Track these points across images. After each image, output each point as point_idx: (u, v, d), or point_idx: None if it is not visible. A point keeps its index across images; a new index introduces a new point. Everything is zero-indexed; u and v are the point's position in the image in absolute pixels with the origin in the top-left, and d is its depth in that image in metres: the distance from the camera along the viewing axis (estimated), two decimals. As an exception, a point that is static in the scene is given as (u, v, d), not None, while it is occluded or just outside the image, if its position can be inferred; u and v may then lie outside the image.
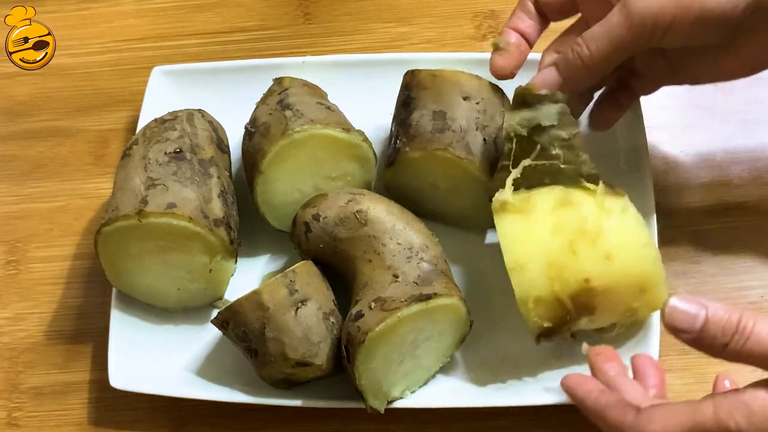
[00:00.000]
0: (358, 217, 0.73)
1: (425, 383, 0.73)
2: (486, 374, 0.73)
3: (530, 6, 0.73)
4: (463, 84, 0.76)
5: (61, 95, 0.92)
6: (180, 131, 0.77)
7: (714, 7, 0.64)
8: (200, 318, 0.78)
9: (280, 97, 0.78)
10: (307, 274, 0.72)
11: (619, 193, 0.70)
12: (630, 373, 0.67)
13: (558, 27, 0.75)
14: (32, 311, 0.82)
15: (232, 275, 0.76)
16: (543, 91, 0.69)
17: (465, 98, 0.75)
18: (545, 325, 0.68)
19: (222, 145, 0.80)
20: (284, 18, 0.93)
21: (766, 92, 0.83)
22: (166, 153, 0.75)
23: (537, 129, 0.69)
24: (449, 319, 0.70)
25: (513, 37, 0.72)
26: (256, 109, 0.79)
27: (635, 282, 0.68)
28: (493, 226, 0.72)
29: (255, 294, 0.71)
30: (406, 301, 0.68)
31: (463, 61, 0.80)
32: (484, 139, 0.74)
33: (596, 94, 0.77)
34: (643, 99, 0.79)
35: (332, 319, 0.72)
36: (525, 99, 0.70)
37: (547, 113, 0.69)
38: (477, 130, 0.74)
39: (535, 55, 0.74)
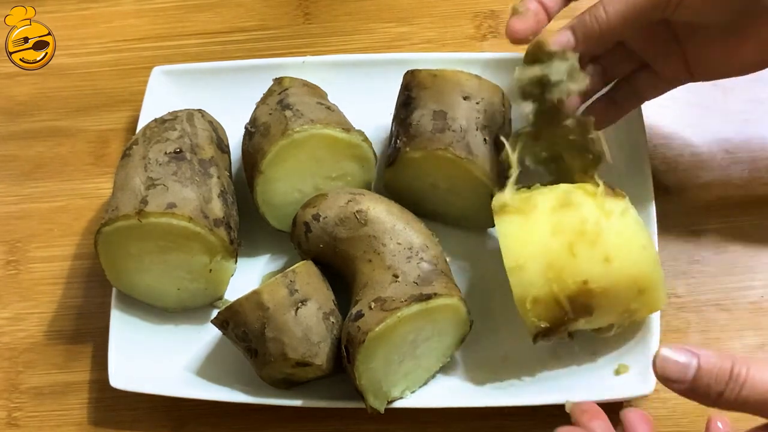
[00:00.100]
0: (358, 217, 0.73)
1: (425, 383, 0.73)
2: (486, 374, 0.73)
3: None
4: (463, 84, 0.76)
5: (61, 95, 0.92)
6: (180, 131, 0.77)
7: None
8: (200, 318, 0.78)
9: (280, 97, 0.78)
10: (307, 274, 0.72)
11: (620, 194, 0.70)
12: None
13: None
14: (32, 311, 0.82)
15: (232, 275, 0.76)
16: (554, 48, 0.70)
17: (465, 98, 0.75)
18: (543, 325, 0.68)
19: (222, 145, 0.80)
20: (284, 18, 0.93)
21: (766, 92, 0.83)
22: (166, 153, 0.75)
23: (547, 85, 0.70)
24: (449, 319, 0.70)
25: (533, 5, 0.71)
26: (256, 109, 0.79)
27: (634, 283, 0.68)
28: (493, 226, 0.72)
29: (255, 294, 0.71)
30: (406, 301, 0.68)
31: (463, 61, 0.80)
32: (485, 139, 0.74)
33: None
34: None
35: (332, 319, 0.72)
36: (536, 55, 0.70)
37: (557, 69, 0.70)
38: (477, 130, 0.74)
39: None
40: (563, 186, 0.71)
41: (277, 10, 0.93)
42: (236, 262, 0.76)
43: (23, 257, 0.85)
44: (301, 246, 0.75)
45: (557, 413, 0.72)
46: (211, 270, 0.75)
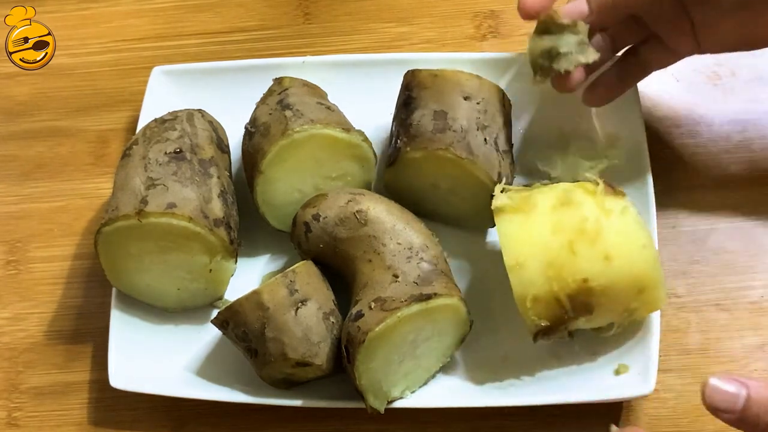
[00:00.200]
0: (358, 217, 0.73)
1: (425, 383, 0.73)
2: (486, 374, 0.73)
3: None
4: (463, 84, 0.76)
5: (61, 95, 0.92)
6: (180, 131, 0.77)
7: None
8: (200, 318, 0.78)
9: (280, 97, 0.78)
10: (307, 274, 0.72)
11: (620, 193, 0.70)
12: None
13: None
14: (32, 311, 0.82)
15: (232, 275, 0.76)
16: (566, 21, 0.71)
17: (466, 98, 0.75)
18: (543, 323, 0.68)
19: (222, 145, 0.80)
20: (284, 18, 0.93)
21: (766, 92, 0.83)
22: (166, 153, 0.75)
23: (557, 56, 0.72)
24: (449, 319, 0.70)
25: None
26: (256, 109, 0.79)
27: (634, 282, 0.68)
28: (493, 226, 0.72)
29: (255, 294, 0.71)
30: (406, 301, 0.68)
31: (464, 61, 0.80)
32: (485, 139, 0.74)
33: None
34: (643, 99, 0.79)
35: (332, 319, 0.72)
36: (547, 27, 0.72)
37: (567, 42, 0.71)
38: (478, 130, 0.74)
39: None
40: (563, 185, 0.71)
41: (277, 10, 0.93)
42: (236, 262, 0.76)
43: (23, 257, 0.85)
44: (301, 246, 0.75)
45: (557, 413, 0.72)
46: (211, 270, 0.75)
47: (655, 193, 0.76)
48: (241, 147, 0.79)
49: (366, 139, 0.76)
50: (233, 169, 0.81)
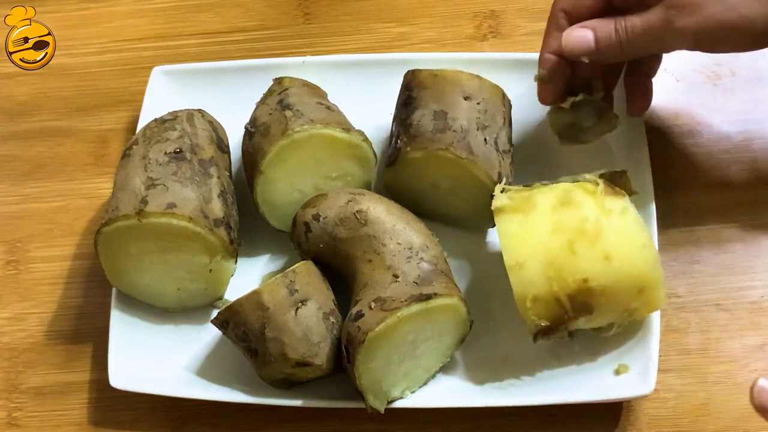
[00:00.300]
0: (358, 217, 0.73)
1: (425, 383, 0.73)
2: (486, 374, 0.73)
3: (562, 21, 0.72)
4: (463, 84, 0.76)
5: (61, 95, 0.92)
6: (180, 131, 0.77)
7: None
8: (200, 318, 0.78)
9: (280, 97, 0.78)
10: (307, 274, 0.72)
11: (620, 193, 0.70)
12: None
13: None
14: (32, 311, 0.82)
15: (232, 275, 0.76)
16: (579, 98, 0.73)
17: (466, 98, 0.75)
18: (543, 323, 0.68)
19: (222, 145, 0.80)
20: (284, 18, 0.93)
21: (766, 92, 0.83)
22: (166, 153, 0.75)
23: (581, 130, 0.75)
24: (449, 319, 0.70)
25: (551, 63, 0.72)
26: (256, 109, 0.79)
27: (634, 282, 0.68)
28: (493, 226, 0.72)
29: (255, 294, 0.71)
30: (406, 301, 0.68)
31: (464, 61, 0.80)
32: (485, 139, 0.74)
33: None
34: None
35: (332, 319, 0.72)
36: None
37: (587, 114, 0.74)
38: (478, 130, 0.74)
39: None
40: (563, 185, 0.71)
41: (277, 10, 0.93)
42: (236, 262, 0.76)
43: (23, 257, 0.85)
44: (301, 246, 0.75)
45: (557, 413, 0.72)
46: (211, 270, 0.75)
47: (655, 193, 0.76)
48: (241, 147, 0.79)
49: (366, 139, 0.76)
50: (233, 169, 0.81)
